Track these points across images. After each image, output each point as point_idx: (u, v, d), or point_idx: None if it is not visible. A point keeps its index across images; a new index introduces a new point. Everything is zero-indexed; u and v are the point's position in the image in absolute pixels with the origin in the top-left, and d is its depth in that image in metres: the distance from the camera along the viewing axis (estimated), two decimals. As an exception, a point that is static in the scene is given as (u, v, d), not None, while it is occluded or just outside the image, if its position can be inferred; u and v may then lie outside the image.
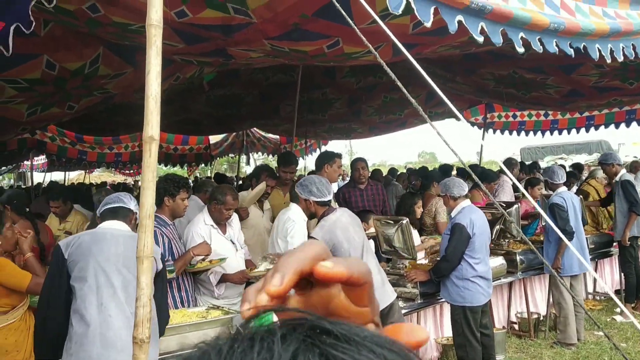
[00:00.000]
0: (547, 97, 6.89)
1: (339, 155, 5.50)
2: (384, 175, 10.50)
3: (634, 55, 3.87)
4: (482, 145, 8.98)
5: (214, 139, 12.97)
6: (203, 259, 3.89)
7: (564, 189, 5.81)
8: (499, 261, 5.37)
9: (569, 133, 10.17)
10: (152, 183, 1.97)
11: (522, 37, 3.15)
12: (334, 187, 7.08)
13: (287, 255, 0.42)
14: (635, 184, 6.67)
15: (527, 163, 11.55)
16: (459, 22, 2.83)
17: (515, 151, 19.63)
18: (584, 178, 9.13)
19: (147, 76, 1.94)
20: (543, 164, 14.02)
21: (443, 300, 4.80)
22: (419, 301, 4.71)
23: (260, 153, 14.30)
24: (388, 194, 6.98)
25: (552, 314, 5.82)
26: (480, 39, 2.93)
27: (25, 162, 15.18)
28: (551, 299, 5.80)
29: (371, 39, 2.50)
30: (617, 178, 6.60)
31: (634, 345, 5.48)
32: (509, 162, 8.15)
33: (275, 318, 0.37)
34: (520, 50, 3.17)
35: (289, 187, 4.96)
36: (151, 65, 1.93)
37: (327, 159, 5.36)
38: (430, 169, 11.00)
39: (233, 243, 4.24)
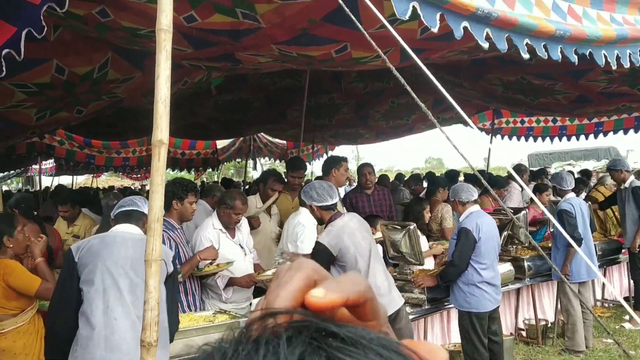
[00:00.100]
0: (555, 102, 6.87)
1: (345, 159, 5.53)
2: (391, 180, 10.49)
3: (640, 62, 3.86)
4: (489, 149, 8.94)
5: (221, 143, 13.00)
6: (210, 263, 3.90)
7: (572, 195, 5.78)
8: (506, 267, 5.35)
9: (577, 139, 10.11)
10: (160, 187, 1.97)
11: (527, 43, 3.15)
12: (341, 192, 7.09)
13: (275, 287, 0.40)
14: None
15: (534, 169, 11.51)
16: (465, 28, 2.83)
17: (523, 157, 19.57)
18: (592, 184, 9.08)
19: (157, 80, 1.94)
20: (551, 170, 13.96)
21: (450, 306, 4.79)
22: (426, 307, 4.69)
23: (267, 158, 14.32)
24: (394, 200, 6.97)
25: (560, 321, 5.78)
26: (486, 45, 2.93)
27: (34, 166, 15.28)
28: (559, 306, 5.77)
29: (379, 44, 2.50)
30: (626, 184, 6.56)
31: (643, 353, 5.44)
32: (518, 168, 8.13)
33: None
34: (526, 56, 3.16)
35: (297, 192, 4.97)
36: (161, 70, 1.94)
37: (333, 163, 5.37)
38: (437, 175, 10.97)
39: (242, 247, 4.24)
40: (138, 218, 3.05)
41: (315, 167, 13.31)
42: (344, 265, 3.72)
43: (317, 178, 6.85)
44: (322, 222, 4.03)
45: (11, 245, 3.41)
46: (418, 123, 9.47)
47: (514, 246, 5.86)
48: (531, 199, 7.20)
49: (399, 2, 2.57)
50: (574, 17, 3.48)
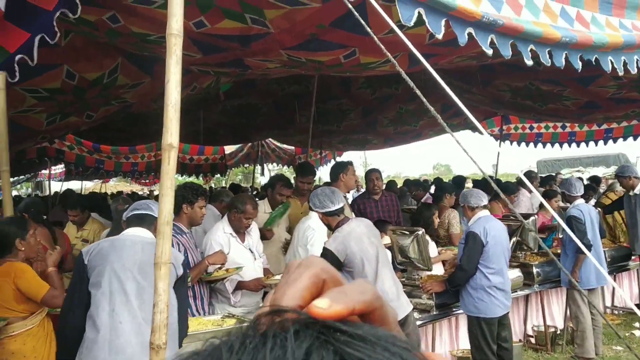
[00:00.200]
0: (563, 108, 6.85)
1: (351, 163, 5.55)
2: (399, 187, 10.48)
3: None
4: (498, 153, 8.91)
5: (229, 149, 13.04)
6: (219, 268, 3.91)
7: (581, 201, 5.76)
8: (515, 273, 5.33)
9: (587, 145, 10.05)
10: (170, 190, 1.99)
11: (531, 50, 3.14)
12: (349, 198, 7.09)
13: (283, 284, 0.40)
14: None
15: (543, 176, 11.47)
16: (469, 34, 2.84)
17: (532, 164, 19.50)
18: (601, 191, 9.03)
19: (167, 85, 1.96)
20: (562, 176, 13.90)
21: (459, 312, 4.77)
22: (435, 313, 4.68)
23: (274, 164, 14.35)
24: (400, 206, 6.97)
25: (570, 328, 5.74)
26: (490, 51, 2.93)
27: (43, 171, 15.39)
28: (568, 313, 5.73)
29: (388, 50, 2.51)
30: (635, 191, 6.51)
31: (654, 360, 5.38)
32: (528, 175, 8.10)
33: None
34: (529, 62, 3.15)
35: (307, 197, 4.99)
36: (171, 74, 1.96)
37: (341, 168, 5.38)
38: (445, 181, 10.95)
39: (252, 252, 4.25)
40: (151, 222, 3.06)
41: (322, 173, 13.33)
42: (352, 271, 3.72)
43: (325, 184, 6.86)
44: (330, 228, 4.04)
45: (23, 249, 3.43)
46: (426, 129, 9.47)
47: (523, 252, 5.83)
48: (540, 206, 7.18)
49: (404, 8, 2.58)
50: (581, 23, 3.48)
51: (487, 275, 4.45)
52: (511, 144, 10.79)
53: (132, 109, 5.58)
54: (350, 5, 2.31)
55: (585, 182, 9.27)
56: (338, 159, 12.34)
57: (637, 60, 3.76)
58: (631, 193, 6.59)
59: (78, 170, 12.12)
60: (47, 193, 13.46)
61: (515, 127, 10.57)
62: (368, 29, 2.35)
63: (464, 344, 5.02)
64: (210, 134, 9.69)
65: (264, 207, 5.13)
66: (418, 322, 4.38)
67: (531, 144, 10.63)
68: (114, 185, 23.80)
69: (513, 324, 5.65)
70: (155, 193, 13.39)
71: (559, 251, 5.86)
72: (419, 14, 2.61)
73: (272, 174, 13.21)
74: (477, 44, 2.93)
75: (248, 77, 5.32)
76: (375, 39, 2.30)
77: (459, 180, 8.89)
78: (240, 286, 4.08)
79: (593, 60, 3.48)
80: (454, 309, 4.80)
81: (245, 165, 15.14)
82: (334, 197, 3.85)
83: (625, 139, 9.40)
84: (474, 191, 4.85)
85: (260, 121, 8.68)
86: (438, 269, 5.23)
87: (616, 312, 7.00)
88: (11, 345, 3.32)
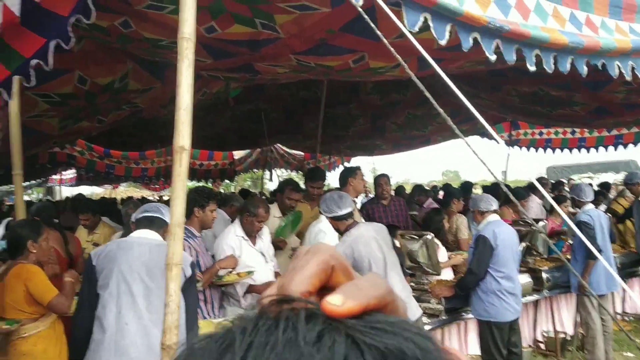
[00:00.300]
0: (573, 114, 6.82)
1: (359, 167, 5.57)
2: (408, 192, 10.45)
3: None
4: (508, 154, 8.88)
5: (238, 154, 13.09)
6: (230, 272, 3.94)
7: (591, 206, 5.73)
8: (524, 279, 5.31)
9: (597, 151, 9.99)
10: (182, 192, 2.02)
11: (536, 55, 3.13)
12: (357, 203, 7.10)
13: (292, 270, 0.40)
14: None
15: (552, 181, 11.41)
16: (474, 39, 2.84)
17: (541, 170, 19.39)
18: (611, 197, 8.98)
19: (179, 88, 1.99)
20: (574, 181, 13.83)
21: (468, 316, 4.75)
22: (444, 317, 4.67)
23: (283, 169, 14.37)
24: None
25: (580, 334, 5.71)
26: (493, 57, 2.92)
27: (54, 177, 15.51)
28: (578, 319, 5.70)
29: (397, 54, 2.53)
30: (646, 197, 6.49)
31: (665, 367, 5.34)
32: (539, 181, 8.07)
33: None
34: (532, 68, 3.13)
35: (316, 202, 5.02)
36: (183, 77, 1.99)
37: (349, 173, 5.40)
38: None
39: (263, 255, 4.28)
40: (160, 225, 3.09)
41: (331, 179, 13.33)
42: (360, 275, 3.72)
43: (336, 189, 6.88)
44: (340, 232, 4.05)
45: (34, 251, 3.46)
46: (435, 134, 9.46)
47: (532, 258, 5.81)
48: (551, 210, 7.15)
49: (410, 13, 2.59)
50: (590, 28, 3.47)
51: (498, 279, 4.44)
52: (520, 149, 10.75)
53: (142, 114, 5.62)
54: (360, 9, 2.32)
55: (595, 188, 9.23)
56: (347, 165, 12.36)
57: (646, 65, 3.74)
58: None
59: (89, 176, 12.22)
60: (58, 198, 13.55)
61: (524, 132, 10.53)
62: (379, 33, 2.37)
63: (473, 348, 5.00)
64: (220, 140, 9.73)
65: (273, 211, 5.15)
66: (427, 327, 4.38)
67: (540, 149, 10.57)
68: (124, 191, 23.91)
69: (522, 329, 5.63)
70: (165, 198, 13.45)
71: (568, 257, 5.84)
72: (425, 19, 2.62)
73: (281, 179, 13.25)
74: (483, 50, 2.93)
75: (258, 82, 5.35)
76: (386, 42, 2.32)
77: (467, 186, 8.88)
78: (251, 290, 4.11)
79: (600, 65, 3.47)
80: (462, 314, 4.78)
81: (254, 171, 15.17)
82: (341, 202, 3.86)
83: (635, 144, 9.34)
84: (484, 196, 4.86)
85: (269, 127, 8.71)
86: (447, 274, 5.22)
87: (627, 318, 6.95)
88: (22, 346, 3.35)
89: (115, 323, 2.79)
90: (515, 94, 6.38)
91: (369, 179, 12.75)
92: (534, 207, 7.77)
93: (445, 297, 4.64)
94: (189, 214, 3.74)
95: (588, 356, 5.39)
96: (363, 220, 4.73)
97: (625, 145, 9.54)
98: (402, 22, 2.76)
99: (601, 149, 9.90)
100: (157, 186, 19.43)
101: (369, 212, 5.93)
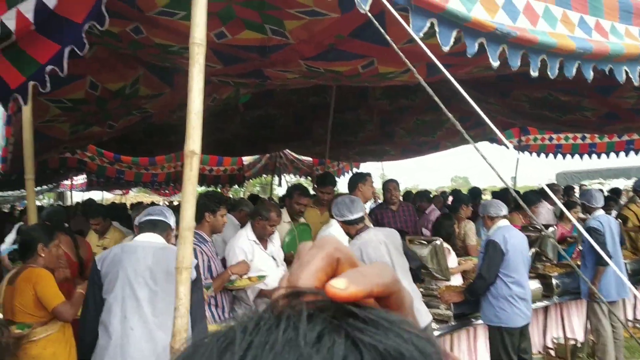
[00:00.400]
0: (583, 119, 6.79)
1: (369, 174, 5.58)
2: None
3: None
4: (517, 159, 8.85)
5: (247, 160, 13.12)
6: (241, 276, 3.96)
7: (601, 212, 5.70)
8: (534, 285, 5.28)
9: (607, 156, 9.91)
10: (192, 196, 2.03)
11: (542, 60, 3.12)
12: (366, 208, 7.09)
13: (297, 266, 0.39)
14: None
15: (562, 187, 11.35)
16: (480, 44, 2.84)
17: (551, 176, 19.28)
18: (622, 203, 8.91)
19: (190, 93, 2.01)
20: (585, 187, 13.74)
21: (478, 322, 4.73)
22: (452, 323, 4.65)
23: (292, 175, 14.39)
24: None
25: (591, 341, 5.66)
26: (496, 63, 2.91)
27: (65, 182, 15.62)
28: (589, 325, 5.65)
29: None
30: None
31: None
32: (551, 188, 8.04)
33: None
34: (534, 74, 3.12)
35: (326, 207, 5.04)
36: (194, 82, 2.01)
37: (359, 179, 5.41)
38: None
39: (274, 259, 4.29)
40: (163, 229, 3.10)
41: (340, 184, 13.31)
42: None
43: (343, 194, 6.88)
44: (350, 236, 4.06)
45: (43, 255, 3.47)
46: (444, 140, 9.44)
47: (542, 263, 5.78)
48: (560, 216, 7.11)
49: (417, 19, 2.60)
50: (600, 33, 3.45)
51: (508, 284, 4.43)
52: (530, 154, 10.69)
53: (152, 119, 5.66)
54: (370, 15, 2.33)
55: (606, 194, 9.17)
56: (355, 171, 12.35)
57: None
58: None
59: (99, 181, 12.29)
60: (69, 203, 13.65)
61: (534, 138, 10.48)
62: (388, 38, 2.38)
63: (483, 355, 4.97)
64: (229, 145, 9.77)
65: (282, 216, 5.17)
66: (436, 333, 4.37)
67: (551, 155, 10.52)
68: (134, 197, 24.05)
69: (532, 335, 5.60)
70: (175, 203, 13.50)
71: (578, 263, 5.80)
72: (432, 24, 2.63)
73: (290, 185, 13.27)
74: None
75: (267, 87, 5.37)
76: (396, 48, 2.32)
77: (476, 192, 8.85)
78: (262, 294, 4.12)
79: (607, 70, 3.45)
80: (472, 320, 4.77)
81: (263, 176, 15.20)
82: (352, 207, 3.87)
83: (646, 150, 9.28)
84: (494, 201, 4.85)
85: (279, 132, 8.74)
86: (456, 280, 5.20)
87: (638, 325, 6.88)
88: (32, 350, 3.37)
89: (121, 328, 2.79)
90: (525, 99, 6.36)
91: (378, 185, 12.75)
92: (544, 212, 7.72)
93: (455, 302, 4.62)
94: (199, 218, 3.76)
95: (599, 363, 5.35)
96: (372, 225, 4.72)
97: (636, 151, 9.46)
98: (410, 27, 2.77)
99: (612, 154, 9.83)
100: (167, 192, 19.51)
101: (378, 218, 5.93)
